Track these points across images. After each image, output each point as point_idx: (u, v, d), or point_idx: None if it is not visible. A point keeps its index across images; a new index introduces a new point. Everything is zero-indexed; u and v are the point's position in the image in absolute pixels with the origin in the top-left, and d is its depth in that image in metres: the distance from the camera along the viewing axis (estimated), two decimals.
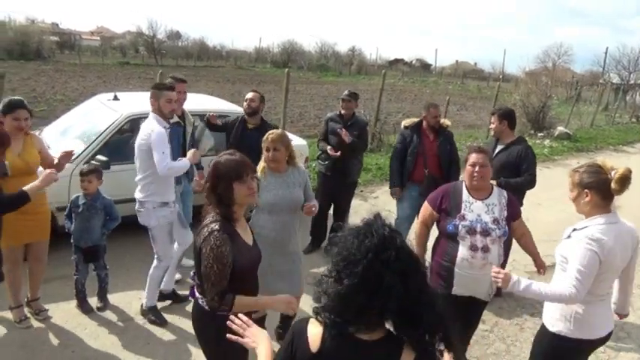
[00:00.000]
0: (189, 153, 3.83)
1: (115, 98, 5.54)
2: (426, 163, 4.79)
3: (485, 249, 2.93)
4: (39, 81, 20.61)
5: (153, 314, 3.88)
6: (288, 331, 1.53)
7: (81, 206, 3.79)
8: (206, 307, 2.22)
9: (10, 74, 16.73)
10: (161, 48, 47.94)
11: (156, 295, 3.93)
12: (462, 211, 3.00)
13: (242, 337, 1.67)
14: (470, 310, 3.21)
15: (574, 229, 2.50)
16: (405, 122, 5.11)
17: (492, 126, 4.47)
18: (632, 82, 37.46)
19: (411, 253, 1.37)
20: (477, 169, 2.99)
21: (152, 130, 3.57)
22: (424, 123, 4.88)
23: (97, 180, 3.82)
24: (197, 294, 2.29)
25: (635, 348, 4.10)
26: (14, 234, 3.38)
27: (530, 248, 3.20)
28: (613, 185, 2.36)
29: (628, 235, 2.47)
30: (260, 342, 1.62)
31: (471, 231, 2.95)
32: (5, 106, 3.40)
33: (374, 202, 7.25)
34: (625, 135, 17.44)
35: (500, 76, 45.10)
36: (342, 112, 5.30)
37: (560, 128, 15.01)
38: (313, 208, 3.33)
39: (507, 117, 4.42)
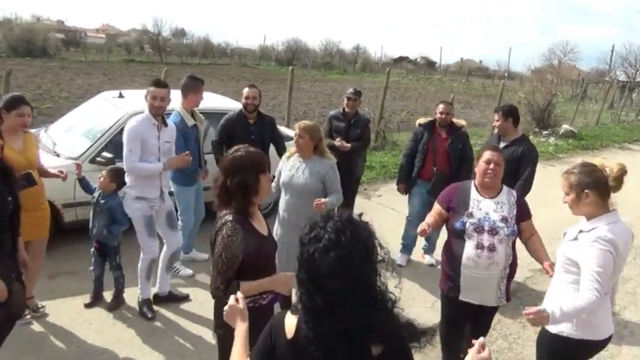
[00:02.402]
0: (174, 158, 3.84)
1: (120, 96, 5.58)
2: (435, 161, 4.81)
3: (492, 248, 2.88)
4: (45, 78, 20.69)
5: (145, 307, 3.92)
6: (267, 323, 1.60)
7: (93, 199, 3.86)
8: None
9: (16, 71, 16.81)
10: (166, 46, 47.98)
11: (147, 288, 3.96)
12: (470, 209, 2.96)
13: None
14: (479, 317, 3.17)
15: (580, 231, 2.45)
16: (420, 120, 5.17)
17: (497, 123, 4.45)
18: (638, 79, 37.25)
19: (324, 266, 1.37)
20: (491, 166, 2.96)
21: (127, 124, 3.72)
22: (436, 121, 4.92)
23: (109, 179, 3.77)
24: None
25: (638, 346, 4.10)
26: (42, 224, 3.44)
27: (537, 253, 3.01)
28: (611, 182, 2.38)
29: (628, 233, 2.48)
30: (236, 323, 1.72)
31: (479, 229, 2.90)
32: (8, 103, 3.38)
33: (378, 201, 7.26)
34: (630, 133, 17.36)
35: (506, 74, 44.97)
36: (346, 109, 5.33)
37: (565, 126, 14.96)
38: (322, 206, 3.32)
39: (512, 114, 4.42)
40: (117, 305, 3.97)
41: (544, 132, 14.39)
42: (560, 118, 15.60)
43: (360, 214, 1.50)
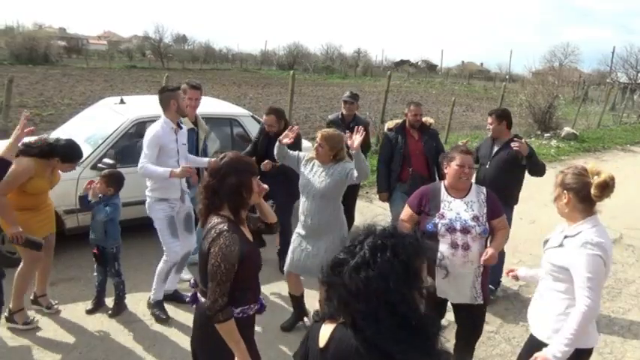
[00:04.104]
0: (180, 168, 3.79)
1: (122, 102, 5.60)
2: (409, 162, 4.85)
3: (466, 246, 2.93)
4: (47, 85, 20.78)
5: (157, 309, 3.95)
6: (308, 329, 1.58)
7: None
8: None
9: (19, 78, 16.91)
10: (167, 52, 48.22)
11: (162, 290, 3.98)
12: (441, 210, 3.01)
13: None
14: (462, 318, 3.19)
15: (565, 237, 2.41)
16: (389, 124, 5.21)
17: (490, 127, 4.51)
18: (639, 81, 37.21)
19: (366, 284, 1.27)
20: (465, 169, 3.01)
21: (149, 130, 3.78)
22: (407, 122, 4.94)
23: (106, 185, 3.79)
24: (202, 299, 2.27)
25: None
26: (30, 233, 3.53)
27: (494, 241, 3.06)
28: (592, 190, 2.30)
29: (608, 236, 2.45)
30: None
31: (451, 229, 2.95)
32: (69, 157, 3.58)
33: (380, 204, 7.25)
34: (632, 135, 17.30)
35: (507, 77, 45.00)
36: (344, 112, 5.34)
37: (567, 128, 14.93)
38: (354, 149, 3.34)
39: (505, 117, 4.51)
40: (118, 312, 3.96)
41: (546, 134, 14.37)
42: (561, 120, 15.58)
43: (417, 231, 1.41)
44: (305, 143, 6.57)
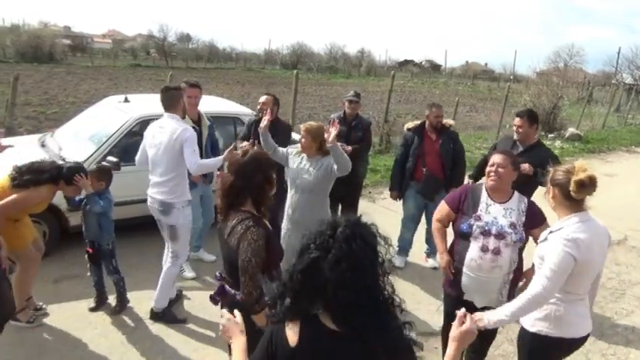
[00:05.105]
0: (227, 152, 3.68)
1: (126, 100, 5.61)
2: (424, 162, 4.85)
3: (496, 251, 2.86)
4: (51, 83, 20.84)
5: (167, 316, 3.90)
6: (265, 332, 1.57)
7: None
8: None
9: (24, 77, 16.93)
10: (172, 50, 48.32)
11: (168, 297, 3.95)
12: (479, 212, 2.96)
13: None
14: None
15: (550, 232, 2.48)
16: (408, 125, 5.19)
17: (520, 129, 4.22)
18: None
19: (359, 262, 1.37)
20: (493, 168, 2.95)
21: (185, 128, 3.70)
22: (427, 123, 4.94)
23: (97, 179, 3.76)
24: (231, 290, 2.35)
25: None
26: (23, 236, 3.59)
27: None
28: (570, 187, 2.34)
29: (604, 235, 2.47)
30: (235, 337, 1.68)
31: (486, 232, 2.89)
32: (69, 176, 3.58)
33: (382, 204, 7.25)
34: (637, 136, 17.20)
35: (511, 77, 44.88)
36: (347, 111, 5.32)
37: (571, 129, 14.89)
38: (333, 131, 3.39)
39: (536, 120, 4.29)
40: (121, 309, 3.97)
41: (550, 135, 14.33)
42: (566, 121, 15.54)
43: (360, 216, 1.50)
44: None
